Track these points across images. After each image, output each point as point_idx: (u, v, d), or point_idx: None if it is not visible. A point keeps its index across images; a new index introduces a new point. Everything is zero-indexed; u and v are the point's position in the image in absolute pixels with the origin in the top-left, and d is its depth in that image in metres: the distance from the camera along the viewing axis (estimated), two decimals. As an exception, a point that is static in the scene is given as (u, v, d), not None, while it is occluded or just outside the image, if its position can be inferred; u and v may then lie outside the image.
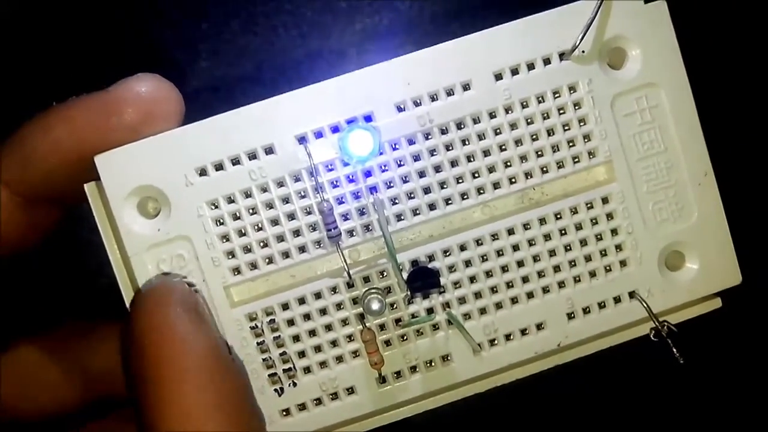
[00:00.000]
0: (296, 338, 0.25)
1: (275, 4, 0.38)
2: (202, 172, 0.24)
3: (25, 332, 0.29)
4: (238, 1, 0.38)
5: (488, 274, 0.25)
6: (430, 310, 0.25)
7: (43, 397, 0.28)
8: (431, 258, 0.25)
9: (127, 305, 0.24)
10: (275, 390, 0.25)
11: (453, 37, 0.25)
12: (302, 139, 0.24)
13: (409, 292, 0.25)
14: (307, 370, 0.25)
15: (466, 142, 0.25)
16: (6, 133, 0.24)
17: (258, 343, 0.24)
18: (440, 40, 0.25)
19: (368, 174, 0.24)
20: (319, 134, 0.24)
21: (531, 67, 0.25)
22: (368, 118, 0.24)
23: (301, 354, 0.25)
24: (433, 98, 0.24)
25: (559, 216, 0.25)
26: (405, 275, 0.25)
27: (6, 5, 0.37)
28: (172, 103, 0.24)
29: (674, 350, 0.25)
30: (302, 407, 0.25)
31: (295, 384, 0.25)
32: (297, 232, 0.24)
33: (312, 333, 0.25)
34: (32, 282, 0.29)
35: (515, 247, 0.25)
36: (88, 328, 0.30)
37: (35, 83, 0.36)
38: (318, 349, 0.25)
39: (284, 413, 0.25)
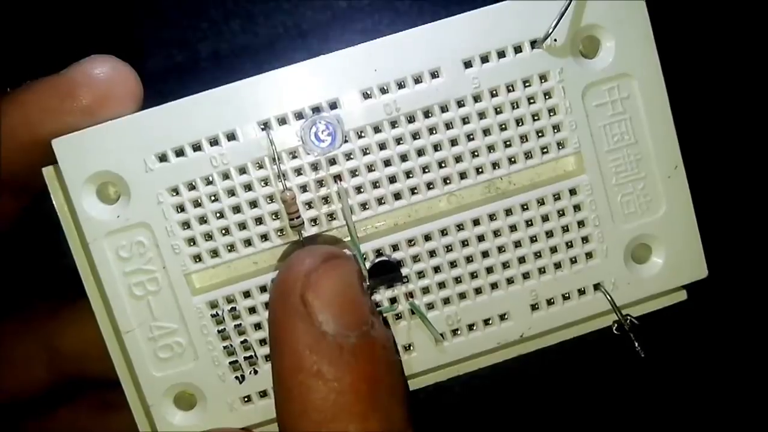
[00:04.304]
0: (257, 326, 0.24)
1: (275, 4, 0.38)
2: (162, 158, 0.23)
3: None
4: (238, 1, 0.38)
5: (452, 264, 0.25)
6: (393, 300, 0.25)
7: (11, 378, 0.28)
8: (395, 248, 0.24)
9: (88, 291, 0.24)
10: (236, 377, 0.25)
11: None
12: (265, 126, 0.24)
13: (372, 276, 0.24)
14: (268, 357, 0.25)
15: (434, 131, 0.24)
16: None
17: (219, 331, 0.24)
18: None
19: (333, 162, 0.24)
20: (282, 121, 0.24)
21: (501, 55, 0.24)
22: (333, 105, 0.24)
23: (263, 342, 0.25)
24: (401, 85, 0.24)
25: (525, 207, 0.25)
26: (369, 264, 0.24)
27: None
28: (128, 85, 0.23)
29: (636, 344, 0.25)
30: (263, 394, 0.25)
31: (256, 372, 0.25)
32: (259, 220, 0.24)
33: (274, 321, 0.24)
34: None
35: (480, 238, 0.25)
36: (55, 309, 0.29)
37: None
38: (280, 337, 0.25)
39: (245, 400, 0.25)
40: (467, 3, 0.24)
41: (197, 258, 0.24)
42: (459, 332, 0.25)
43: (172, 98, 0.23)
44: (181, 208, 0.24)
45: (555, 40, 0.24)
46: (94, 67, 0.23)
